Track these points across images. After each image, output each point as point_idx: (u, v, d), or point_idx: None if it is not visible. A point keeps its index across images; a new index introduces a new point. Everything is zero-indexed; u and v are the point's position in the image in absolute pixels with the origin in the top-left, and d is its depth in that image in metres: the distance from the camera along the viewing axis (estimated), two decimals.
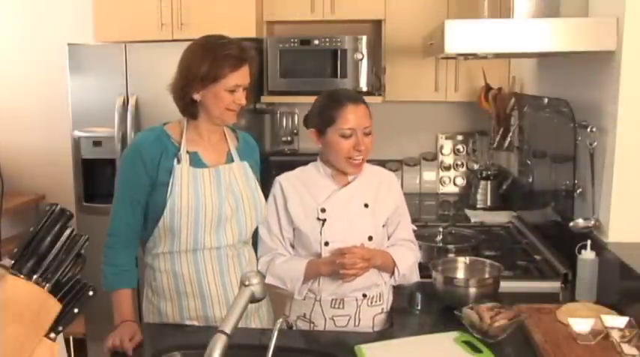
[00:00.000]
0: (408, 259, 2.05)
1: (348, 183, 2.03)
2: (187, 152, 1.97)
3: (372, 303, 2.02)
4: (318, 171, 2.05)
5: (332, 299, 2.00)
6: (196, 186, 1.95)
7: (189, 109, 1.96)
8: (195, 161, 1.98)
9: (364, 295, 2.01)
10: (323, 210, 1.99)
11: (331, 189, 2.02)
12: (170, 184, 1.93)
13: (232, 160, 2.04)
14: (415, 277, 2.09)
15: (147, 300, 2.07)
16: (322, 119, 1.98)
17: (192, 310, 2.00)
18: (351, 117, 1.93)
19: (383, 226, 2.05)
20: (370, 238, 1.99)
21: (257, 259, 2.07)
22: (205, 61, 1.89)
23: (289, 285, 1.99)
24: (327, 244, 1.97)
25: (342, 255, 1.90)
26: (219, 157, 2.03)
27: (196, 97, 1.93)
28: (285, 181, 2.06)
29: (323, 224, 1.98)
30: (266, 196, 2.09)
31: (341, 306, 2.00)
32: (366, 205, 2.01)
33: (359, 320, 2.01)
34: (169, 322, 2.02)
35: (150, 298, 2.06)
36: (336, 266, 1.91)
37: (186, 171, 1.95)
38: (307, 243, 2.00)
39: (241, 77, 1.93)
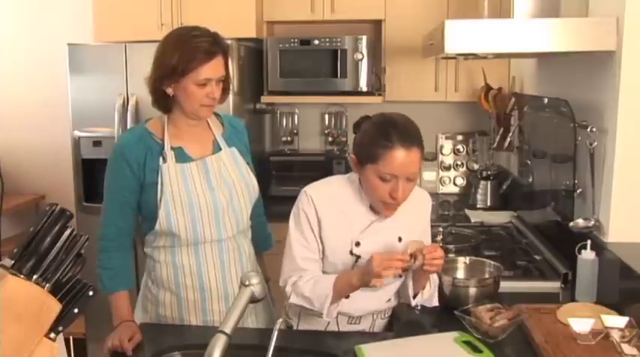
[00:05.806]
0: (436, 283, 1.96)
1: (386, 216, 1.85)
2: (172, 148, 1.95)
3: (384, 316, 1.99)
4: (355, 193, 1.85)
5: (349, 315, 1.92)
6: (186, 182, 1.93)
7: (161, 102, 1.95)
8: (181, 156, 1.96)
9: (379, 311, 1.97)
10: (357, 244, 1.82)
11: (368, 219, 1.84)
12: (159, 184, 1.92)
13: (219, 149, 2.02)
14: (435, 302, 1.95)
15: (146, 288, 2.07)
16: (365, 152, 1.75)
17: (191, 302, 2.00)
18: (397, 163, 1.70)
19: None
20: (400, 275, 1.87)
21: (281, 270, 1.89)
22: (175, 53, 1.87)
23: (317, 304, 1.80)
24: None
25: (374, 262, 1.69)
26: (204, 147, 2.01)
27: (169, 91, 1.91)
28: (318, 197, 1.84)
29: (356, 260, 1.83)
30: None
31: (357, 322, 1.94)
32: (400, 239, 1.86)
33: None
34: (166, 313, 2.02)
35: (149, 286, 2.05)
36: (369, 275, 1.71)
37: (173, 169, 1.93)
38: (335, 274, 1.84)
39: (212, 70, 1.89)
